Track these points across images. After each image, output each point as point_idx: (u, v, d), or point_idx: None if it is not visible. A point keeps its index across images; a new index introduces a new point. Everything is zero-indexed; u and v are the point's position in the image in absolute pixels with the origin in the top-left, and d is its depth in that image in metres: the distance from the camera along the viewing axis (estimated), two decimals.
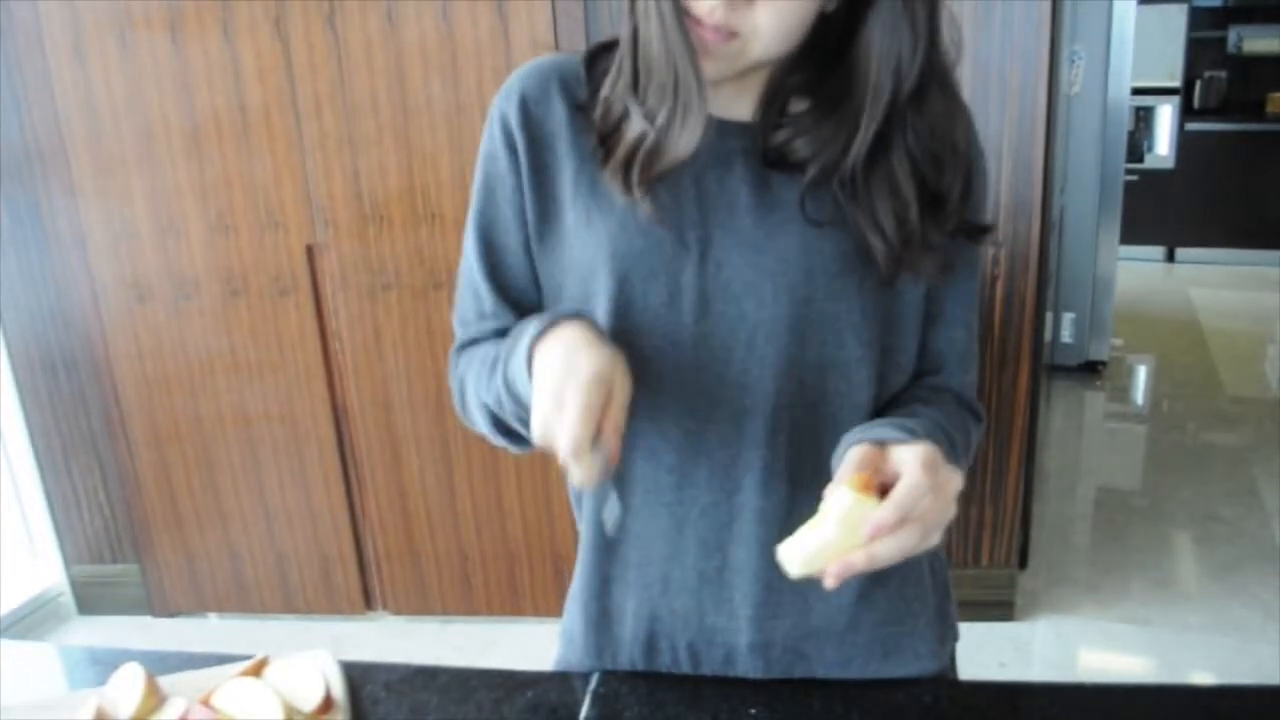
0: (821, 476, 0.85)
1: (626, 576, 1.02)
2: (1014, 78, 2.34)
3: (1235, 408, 4.11)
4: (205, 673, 1.02)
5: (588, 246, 0.93)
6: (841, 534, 0.77)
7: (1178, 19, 5.81)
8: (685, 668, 1.04)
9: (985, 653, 2.62)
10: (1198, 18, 5.93)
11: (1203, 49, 6.02)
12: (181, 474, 2.80)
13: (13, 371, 2.79)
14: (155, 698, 0.97)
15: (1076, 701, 1.01)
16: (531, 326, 0.85)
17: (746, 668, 1.02)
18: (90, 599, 2.99)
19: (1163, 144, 5.91)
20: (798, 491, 0.94)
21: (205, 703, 0.96)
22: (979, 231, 0.95)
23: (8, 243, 2.68)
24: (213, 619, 2.96)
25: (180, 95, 2.50)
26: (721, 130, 0.91)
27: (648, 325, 0.92)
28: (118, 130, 2.55)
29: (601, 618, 1.04)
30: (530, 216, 0.97)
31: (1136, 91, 4.42)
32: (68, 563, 2.97)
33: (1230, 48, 6.04)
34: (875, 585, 1.00)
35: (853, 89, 0.88)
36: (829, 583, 0.78)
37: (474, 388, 0.96)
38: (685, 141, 0.87)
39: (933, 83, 0.88)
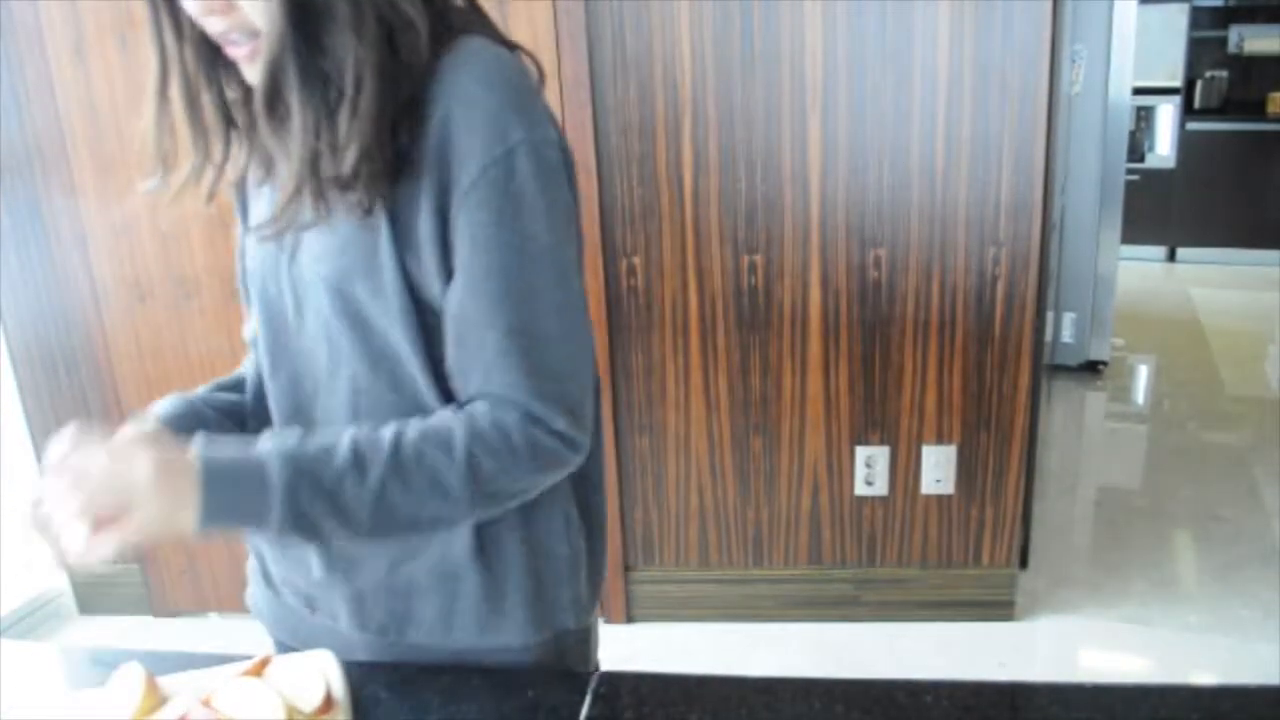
0: None
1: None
2: (1015, 77, 2.34)
3: (1236, 407, 4.11)
4: (206, 673, 1.02)
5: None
6: None
7: (1179, 18, 5.81)
8: (304, 612, 1.12)
9: (985, 653, 2.63)
10: (1199, 17, 5.94)
11: (1204, 49, 6.02)
12: None
13: (13, 370, 2.79)
14: (155, 698, 0.97)
15: (1077, 701, 1.01)
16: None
17: (349, 622, 1.08)
18: (91, 599, 2.99)
19: (1164, 144, 5.91)
20: None
21: (206, 703, 0.96)
22: (398, 171, 0.92)
23: (8, 242, 2.68)
24: (214, 618, 2.95)
25: None
26: None
27: (274, 325, 1.05)
28: (118, 129, 2.55)
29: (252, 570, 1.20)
30: None
31: (1137, 91, 4.42)
32: None
33: (1231, 47, 6.04)
34: (470, 559, 1.04)
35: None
36: None
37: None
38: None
39: (309, 21, 0.88)
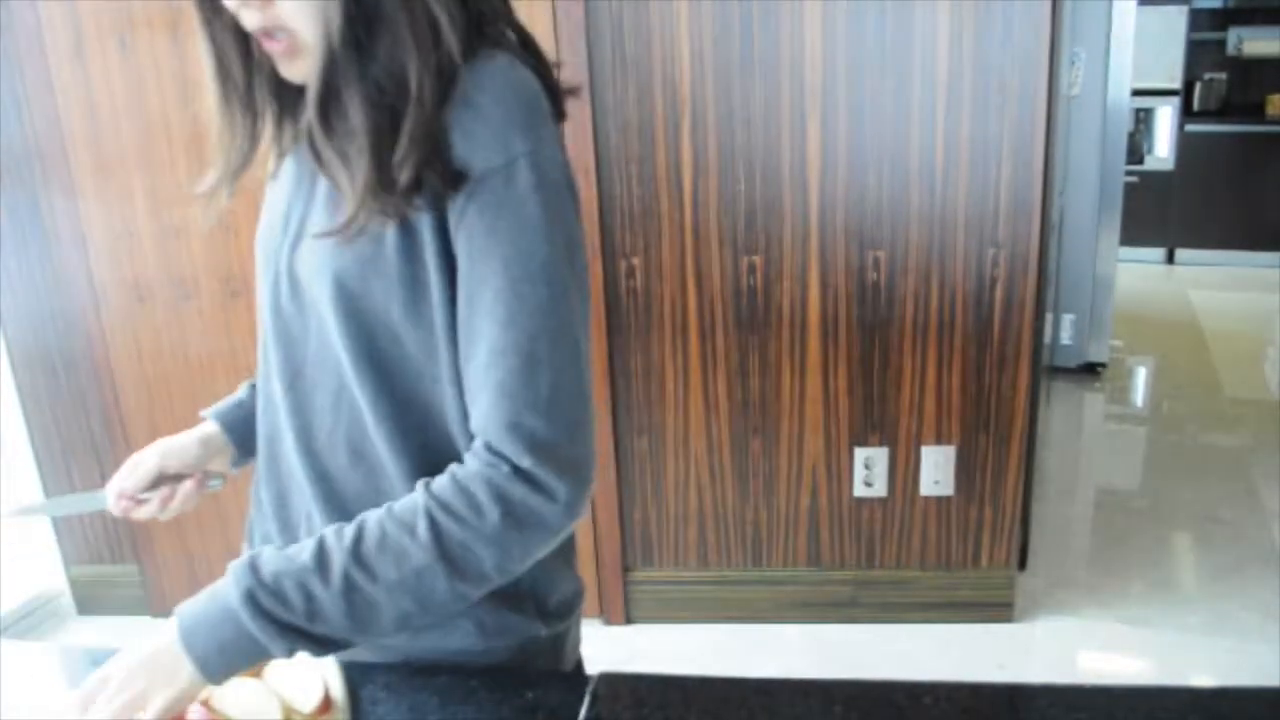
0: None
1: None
2: (1014, 79, 2.34)
3: (1235, 409, 4.11)
4: None
5: None
6: None
7: (1178, 20, 5.81)
8: None
9: (984, 654, 2.63)
10: (1198, 19, 5.94)
11: (1203, 50, 6.02)
12: None
13: (13, 372, 2.79)
14: None
15: (1076, 703, 1.01)
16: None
17: None
18: (90, 599, 2.99)
19: (1162, 145, 5.91)
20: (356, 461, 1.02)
21: (204, 703, 0.96)
22: (455, 180, 0.89)
23: (8, 243, 2.68)
24: None
25: (180, 95, 2.50)
26: None
27: (264, 302, 1.04)
28: (118, 131, 2.55)
29: None
30: None
31: (1136, 93, 4.42)
32: (67, 563, 2.97)
33: (1230, 49, 6.04)
34: None
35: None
36: None
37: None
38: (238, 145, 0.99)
39: (361, 26, 0.86)
